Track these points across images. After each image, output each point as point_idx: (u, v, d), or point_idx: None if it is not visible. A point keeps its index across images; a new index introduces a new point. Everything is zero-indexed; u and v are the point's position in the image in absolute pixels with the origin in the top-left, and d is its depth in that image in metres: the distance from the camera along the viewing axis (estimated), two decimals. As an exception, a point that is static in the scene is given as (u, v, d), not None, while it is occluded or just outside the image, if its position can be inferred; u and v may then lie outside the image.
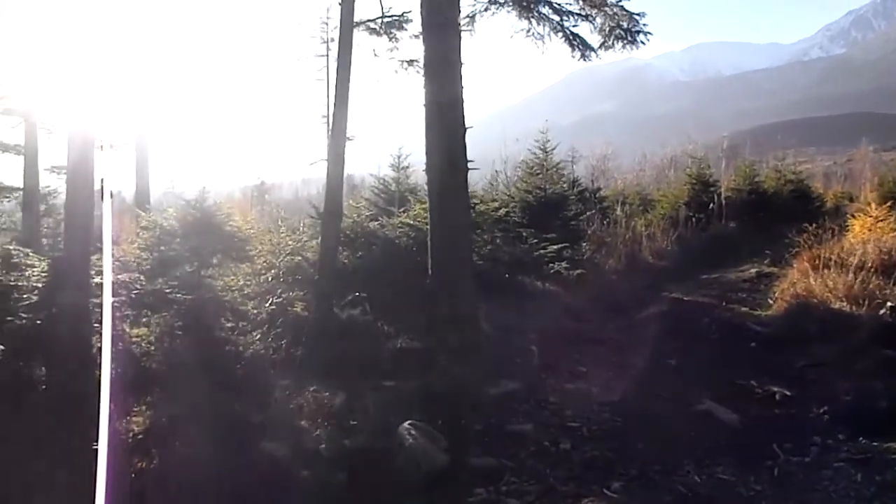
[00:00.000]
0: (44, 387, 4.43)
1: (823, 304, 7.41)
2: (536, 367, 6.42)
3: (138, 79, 14.89)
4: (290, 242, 7.48)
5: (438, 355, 6.06)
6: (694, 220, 15.22)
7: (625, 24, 8.35)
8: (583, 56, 8.66)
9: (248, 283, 6.41)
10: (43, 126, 8.54)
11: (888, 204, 10.69)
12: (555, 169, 11.67)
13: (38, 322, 4.47)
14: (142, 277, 5.39)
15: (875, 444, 4.36)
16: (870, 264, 7.69)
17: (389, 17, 7.90)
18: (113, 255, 5.83)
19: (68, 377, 4.24)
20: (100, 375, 2.02)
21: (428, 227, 7.39)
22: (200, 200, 5.69)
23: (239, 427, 4.39)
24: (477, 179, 11.34)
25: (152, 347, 5.19)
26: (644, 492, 3.98)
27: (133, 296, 5.17)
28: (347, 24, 6.76)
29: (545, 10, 8.44)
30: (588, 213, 12.65)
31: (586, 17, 8.44)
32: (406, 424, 4.57)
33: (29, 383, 4.46)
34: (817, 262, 8.22)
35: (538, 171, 11.45)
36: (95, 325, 4.37)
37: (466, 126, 7.16)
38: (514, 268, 8.88)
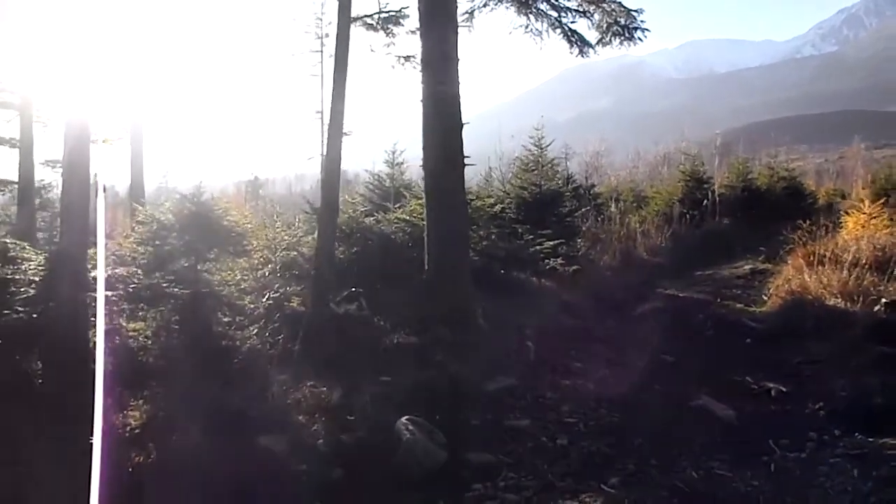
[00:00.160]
0: (40, 381, 4.41)
1: (818, 300, 7.45)
2: (533, 363, 6.44)
3: (133, 73, 14.82)
4: (286, 237, 7.47)
5: (435, 351, 6.07)
6: (688, 216, 15.28)
7: (622, 21, 8.38)
8: (581, 52, 8.70)
9: (245, 277, 6.39)
10: (38, 119, 8.48)
11: (881, 201, 10.75)
12: (550, 165, 11.65)
13: (35, 316, 4.45)
14: (139, 271, 5.36)
15: (871, 439, 4.38)
16: (864, 261, 7.73)
17: (386, 12, 7.87)
18: (108, 249, 5.82)
19: (65, 371, 4.22)
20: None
21: (424, 222, 7.40)
22: (197, 195, 5.66)
23: (236, 421, 4.37)
24: (472, 175, 11.31)
25: (149, 342, 5.17)
26: (641, 487, 3.99)
27: (130, 290, 5.15)
28: (344, 20, 6.73)
29: (544, 6, 8.47)
30: (583, 210, 12.67)
31: (584, 14, 8.47)
32: (404, 419, 4.58)
33: (25, 377, 4.44)
34: (812, 258, 8.27)
35: (533, 168, 11.44)
36: (92, 319, 4.35)
37: (463, 122, 7.18)
38: (510, 264, 8.88)
